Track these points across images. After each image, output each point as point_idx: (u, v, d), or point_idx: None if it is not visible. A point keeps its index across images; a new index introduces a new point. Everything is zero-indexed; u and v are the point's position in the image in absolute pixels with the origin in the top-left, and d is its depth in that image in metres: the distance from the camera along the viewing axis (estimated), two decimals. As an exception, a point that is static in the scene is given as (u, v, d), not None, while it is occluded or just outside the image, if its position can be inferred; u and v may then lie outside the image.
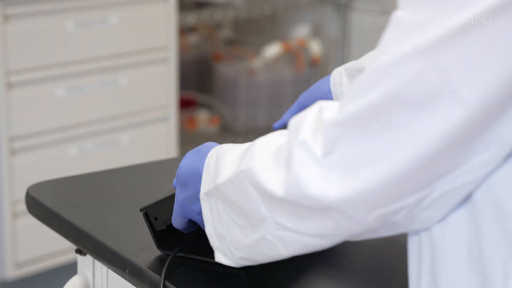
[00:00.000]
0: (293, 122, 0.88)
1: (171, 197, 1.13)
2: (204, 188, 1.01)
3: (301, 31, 3.39)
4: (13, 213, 2.58)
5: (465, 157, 0.80)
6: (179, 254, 1.13)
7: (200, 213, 1.06)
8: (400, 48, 0.77)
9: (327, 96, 1.34)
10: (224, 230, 1.00)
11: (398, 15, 0.79)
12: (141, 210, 1.14)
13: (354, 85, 0.82)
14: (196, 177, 1.03)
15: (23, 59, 2.54)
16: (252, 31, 3.60)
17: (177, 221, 1.11)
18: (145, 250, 1.17)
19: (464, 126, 0.77)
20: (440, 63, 0.76)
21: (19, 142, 2.57)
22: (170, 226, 1.14)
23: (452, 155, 0.79)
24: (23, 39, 2.53)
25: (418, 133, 0.78)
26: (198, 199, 1.04)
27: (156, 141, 2.87)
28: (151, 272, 1.11)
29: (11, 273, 2.60)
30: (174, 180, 1.10)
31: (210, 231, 1.02)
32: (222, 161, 0.98)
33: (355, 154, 0.81)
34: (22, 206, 2.51)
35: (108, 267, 1.20)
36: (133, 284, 1.14)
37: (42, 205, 1.31)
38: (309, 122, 0.85)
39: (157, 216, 1.14)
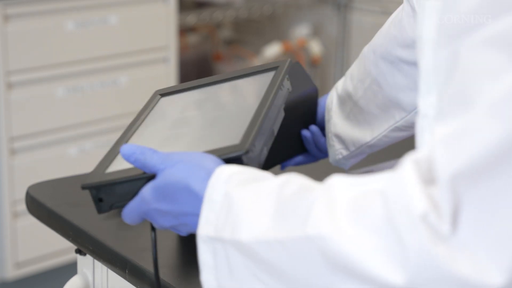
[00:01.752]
0: (387, 181, 0.76)
1: (128, 183, 0.98)
2: (207, 228, 0.87)
3: (301, 31, 3.38)
4: (13, 213, 2.58)
5: None
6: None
7: (186, 233, 0.94)
8: None
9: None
10: (236, 286, 0.85)
11: None
12: (83, 187, 1.00)
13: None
14: (192, 198, 0.89)
15: (23, 59, 2.54)
16: (252, 31, 3.60)
17: (131, 218, 0.97)
18: (145, 250, 1.17)
19: None
20: None
21: (19, 142, 2.57)
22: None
23: None
24: (23, 39, 2.53)
25: None
26: (191, 220, 0.91)
27: (156, 141, 2.87)
28: (151, 272, 1.11)
29: (11, 273, 2.60)
30: (139, 163, 0.96)
31: (208, 280, 0.87)
32: (242, 206, 0.84)
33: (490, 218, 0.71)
34: (22, 206, 2.51)
35: (108, 267, 1.20)
36: (133, 284, 1.14)
37: (42, 205, 1.31)
38: (414, 182, 0.73)
39: (103, 197, 1.00)
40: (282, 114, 1.11)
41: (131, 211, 0.96)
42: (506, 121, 0.70)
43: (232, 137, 0.98)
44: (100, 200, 1.00)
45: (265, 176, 0.87)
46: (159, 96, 1.22)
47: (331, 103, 1.37)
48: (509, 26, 0.72)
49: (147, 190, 0.94)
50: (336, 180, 0.81)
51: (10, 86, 2.52)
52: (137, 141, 1.08)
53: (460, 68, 0.74)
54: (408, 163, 0.75)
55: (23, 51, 2.54)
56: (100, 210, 1.01)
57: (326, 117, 1.37)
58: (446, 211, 0.71)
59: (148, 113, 1.17)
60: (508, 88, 0.70)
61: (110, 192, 0.99)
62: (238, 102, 1.14)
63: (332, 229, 0.76)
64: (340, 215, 0.77)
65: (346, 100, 1.34)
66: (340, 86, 1.37)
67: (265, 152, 1.01)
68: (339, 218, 0.77)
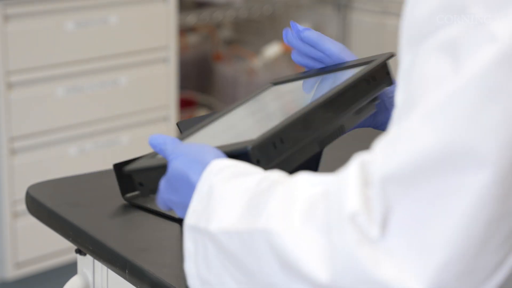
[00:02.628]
0: (333, 181, 0.77)
1: (157, 170, 1.00)
2: (191, 218, 0.89)
3: (301, 31, 3.38)
4: (13, 213, 2.58)
5: None
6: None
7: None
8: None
9: None
10: (212, 277, 0.86)
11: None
12: (125, 171, 1.03)
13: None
14: (189, 188, 0.92)
15: (23, 59, 2.54)
16: (252, 31, 3.60)
17: (160, 204, 1.00)
18: (145, 250, 1.17)
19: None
20: None
21: (19, 142, 2.57)
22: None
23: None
24: (23, 39, 2.53)
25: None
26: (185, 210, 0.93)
27: (156, 141, 2.86)
28: (151, 272, 1.11)
29: (11, 273, 2.60)
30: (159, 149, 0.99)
31: (190, 269, 0.89)
32: (219, 198, 0.86)
33: (417, 224, 0.71)
34: (22, 206, 2.51)
35: (108, 267, 1.20)
36: (133, 284, 1.14)
37: (42, 205, 1.31)
38: (354, 183, 0.74)
39: (142, 182, 1.03)
40: (368, 111, 1.07)
41: (157, 198, 1.00)
42: (437, 130, 0.71)
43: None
44: (140, 184, 1.04)
45: (254, 171, 0.88)
46: (271, 85, 1.21)
47: None
48: (460, 32, 0.73)
49: (162, 181, 0.98)
50: (300, 178, 0.82)
51: (10, 86, 2.52)
52: (215, 127, 1.10)
53: (413, 73, 0.75)
54: (353, 163, 0.76)
55: (23, 51, 2.54)
56: (141, 194, 1.05)
57: None
58: (376, 214, 0.72)
59: (249, 100, 1.17)
60: (445, 95, 0.71)
61: (145, 178, 1.03)
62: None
63: (281, 224, 0.78)
64: (293, 211, 0.78)
65: None
66: None
67: (296, 156, 0.98)
68: (290, 214, 0.78)
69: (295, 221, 0.77)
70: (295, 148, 0.98)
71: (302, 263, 0.75)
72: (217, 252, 0.85)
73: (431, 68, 0.74)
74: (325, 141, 1.03)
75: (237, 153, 0.94)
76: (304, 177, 0.82)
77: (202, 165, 0.91)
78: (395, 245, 0.71)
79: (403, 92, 0.76)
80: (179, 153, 0.95)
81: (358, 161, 0.76)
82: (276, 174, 0.86)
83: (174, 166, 0.94)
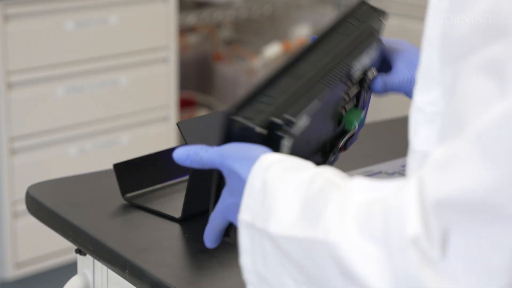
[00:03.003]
0: (390, 193, 0.78)
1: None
2: (245, 214, 0.89)
3: (301, 31, 3.38)
4: (13, 213, 2.58)
5: None
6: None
7: None
8: None
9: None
10: (269, 274, 0.87)
11: None
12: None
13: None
14: (242, 185, 0.91)
15: (23, 59, 2.54)
16: (252, 31, 3.60)
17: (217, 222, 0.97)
18: (145, 250, 1.17)
19: None
20: None
21: (19, 142, 2.57)
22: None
23: None
24: (23, 39, 2.53)
25: None
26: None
27: (156, 141, 2.87)
28: (151, 272, 1.11)
29: (11, 273, 2.60)
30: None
31: (246, 264, 0.90)
32: (274, 197, 0.86)
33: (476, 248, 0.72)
34: (22, 206, 2.51)
35: (108, 267, 1.20)
36: (133, 284, 1.14)
37: (42, 205, 1.31)
38: (414, 203, 0.75)
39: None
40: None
41: (215, 212, 0.98)
42: (489, 157, 0.71)
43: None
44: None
45: (305, 166, 0.88)
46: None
47: None
48: (503, 53, 0.72)
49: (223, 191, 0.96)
50: (355, 183, 0.82)
51: (10, 86, 2.52)
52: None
53: (456, 90, 0.75)
54: (412, 180, 0.76)
55: (23, 51, 2.54)
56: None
57: None
58: (436, 236, 0.73)
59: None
60: (493, 119, 0.71)
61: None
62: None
63: (339, 235, 0.79)
64: (350, 221, 0.79)
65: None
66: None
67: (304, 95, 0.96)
68: (348, 224, 0.79)
69: (353, 232, 0.78)
70: (295, 87, 0.97)
71: (363, 277, 0.77)
72: (276, 252, 0.85)
73: (475, 89, 0.73)
74: (329, 77, 1.01)
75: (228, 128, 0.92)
76: (359, 182, 0.82)
77: (251, 161, 0.90)
78: (455, 267, 0.72)
79: (446, 105, 0.77)
80: (227, 155, 0.93)
81: (416, 178, 0.76)
82: (329, 171, 0.86)
83: (227, 167, 0.93)
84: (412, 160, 0.87)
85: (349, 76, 1.06)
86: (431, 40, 0.84)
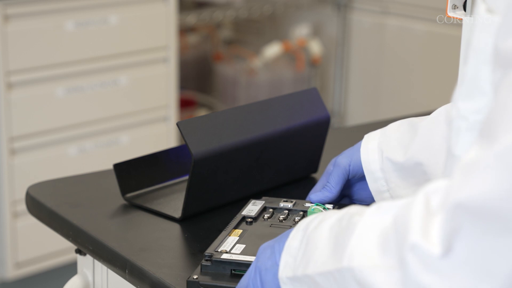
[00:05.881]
0: (398, 213, 0.82)
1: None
2: (286, 271, 0.95)
3: (301, 31, 3.39)
4: (13, 213, 2.58)
5: None
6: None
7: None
8: None
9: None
10: None
11: None
12: None
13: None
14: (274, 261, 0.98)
15: (23, 59, 2.54)
16: (252, 31, 3.60)
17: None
18: (145, 250, 1.17)
19: None
20: None
21: (19, 142, 2.57)
22: None
23: None
24: (23, 39, 2.53)
25: None
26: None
27: (156, 141, 2.87)
28: (151, 272, 1.11)
29: (11, 273, 2.60)
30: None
31: None
32: (313, 244, 0.92)
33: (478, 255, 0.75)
34: (22, 206, 2.51)
35: (108, 267, 1.20)
36: (133, 284, 1.14)
37: (42, 205, 1.31)
38: (417, 216, 0.79)
39: None
40: None
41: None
42: (511, 168, 0.73)
43: None
44: None
45: (336, 212, 0.94)
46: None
47: (380, 172, 1.26)
48: None
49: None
50: (373, 208, 0.87)
51: (10, 86, 2.52)
52: None
53: (501, 95, 0.77)
54: (421, 192, 0.81)
55: (23, 51, 2.54)
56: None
57: (374, 187, 1.26)
58: (440, 232, 0.76)
59: None
60: None
61: None
62: None
63: (362, 260, 0.84)
64: (371, 246, 0.84)
65: (414, 170, 1.24)
66: (398, 153, 1.25)
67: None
68: (368, 245, 0.84)
69: (374, 255, 0.83)
70: None
71: None
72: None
73: None
74: None
75: None
76: (378, 205, 0.87)
77: (286, 236, 0.97)
78: (457, 269, 0.75)
79: (492, 102, 0.79)
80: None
81: (424, 192, 0.80)
82: (355, 208, 0.91)
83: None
84: (452, 164, 0.91)
85: None
86: (479, 51, 0.86)
